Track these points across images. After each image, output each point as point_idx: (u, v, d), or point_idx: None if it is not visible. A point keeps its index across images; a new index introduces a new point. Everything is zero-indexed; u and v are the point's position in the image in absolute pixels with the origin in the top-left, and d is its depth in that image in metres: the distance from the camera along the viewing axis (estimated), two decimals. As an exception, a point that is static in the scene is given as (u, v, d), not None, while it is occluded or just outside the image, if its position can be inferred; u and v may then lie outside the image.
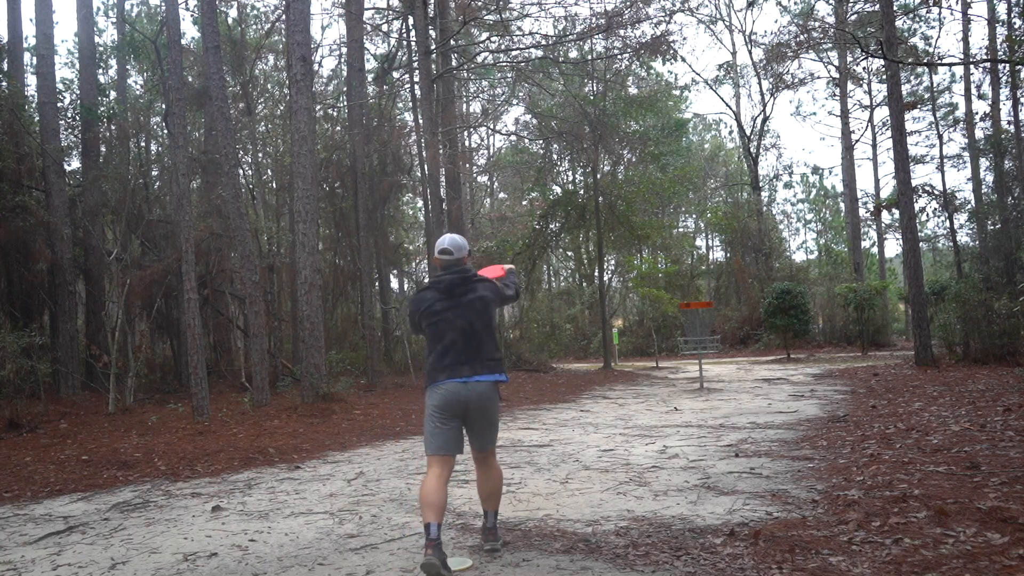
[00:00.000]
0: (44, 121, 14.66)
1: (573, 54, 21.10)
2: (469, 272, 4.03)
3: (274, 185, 20.17)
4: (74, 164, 17.38)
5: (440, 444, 3.84)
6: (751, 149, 32.73)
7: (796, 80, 30.30)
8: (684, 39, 39.24)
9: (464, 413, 3.87)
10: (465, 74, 23.22)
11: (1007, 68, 20.64)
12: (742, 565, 3.55)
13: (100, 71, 21.32)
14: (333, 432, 9.16)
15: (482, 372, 3.87)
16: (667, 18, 18.71)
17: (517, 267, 23.78)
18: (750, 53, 31.76)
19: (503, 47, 20.20)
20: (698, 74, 56.88)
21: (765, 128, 33.32)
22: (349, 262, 19.05)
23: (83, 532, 4.83)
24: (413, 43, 19.06)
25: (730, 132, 41.92)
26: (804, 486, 5.17)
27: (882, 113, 32.71)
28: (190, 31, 24.95)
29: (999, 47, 21.94)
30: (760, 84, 31.72)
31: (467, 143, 28.83)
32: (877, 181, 37.50)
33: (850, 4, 25.94)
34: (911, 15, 26.55)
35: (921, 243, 21.36)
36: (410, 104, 21.31)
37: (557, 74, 20.93)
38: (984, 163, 24.23)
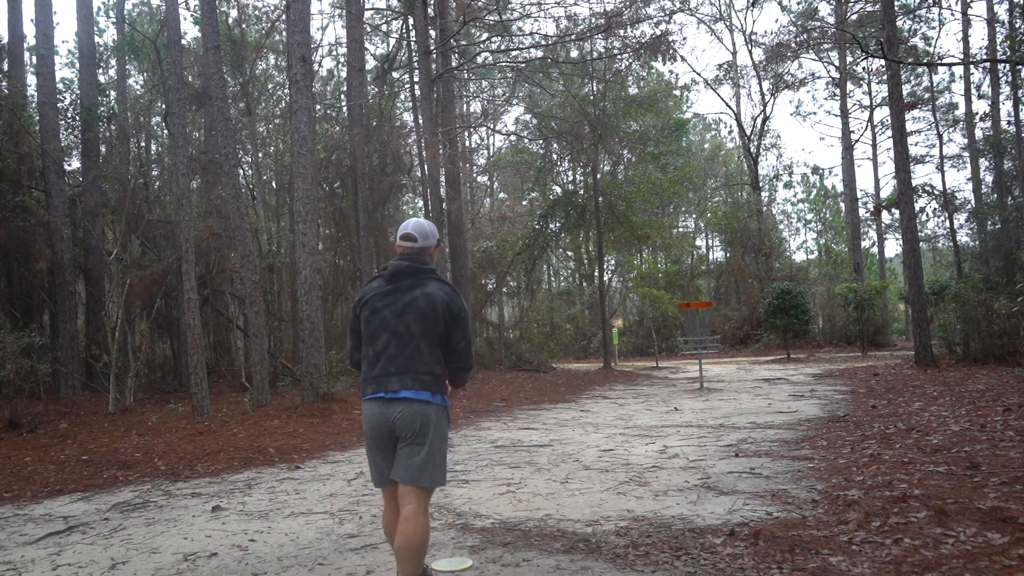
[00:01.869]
0: (44, 121, 14.66)
1: (573, 54, 21.13)
2: (425, 265, 3.26)
3: (274, 185, 20.19)
4: (74, 164, 17.40)
5: (376, 477, 3.25)
6: (751, 149, 32.73)
7: (796, 80, 30.33)
8: (684, 39, 39.39)
9: (394, 437, 3.14)
10: (465, 74, 23.23)
11: (1007, 68, 20.65)
12: (742, 565, 3.55)
13: (100, 71, 21.33)
14: (333, 432, 9.16)
15: (413, 387, 3.09)
16: (667, 18, 18.72)
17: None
18: (750, 53, 31.78)
19: (503, 47, 20.21)
20: (698, 74, 56.93)
21: (765, 128, 33.33)
22: (349, 262, 19.06)
23: (83, 532, 4.83)
24: (413, 43, 19.07)
25: (730, 132, 41.98)
26: (804, 486, 5.17)
27: (882, 113, 32.78)
28: (190, 31, 25.00)
29: (999, 47, 21.94)
30: (760, 84, 31.75)
31: (467, 143, 28.84)
32: (877, 181, 37.54)
33: (850, 4, 25.95)
34: (911, 15, 26.55)
35: (921, 243, 21.35)
36: (410, 104, 21.33)
37: (557, 74, 20.93)
38: (984, 163, 24.24)
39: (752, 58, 31.62)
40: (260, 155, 19.74)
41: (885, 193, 36.66)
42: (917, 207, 19.57)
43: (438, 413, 3.16)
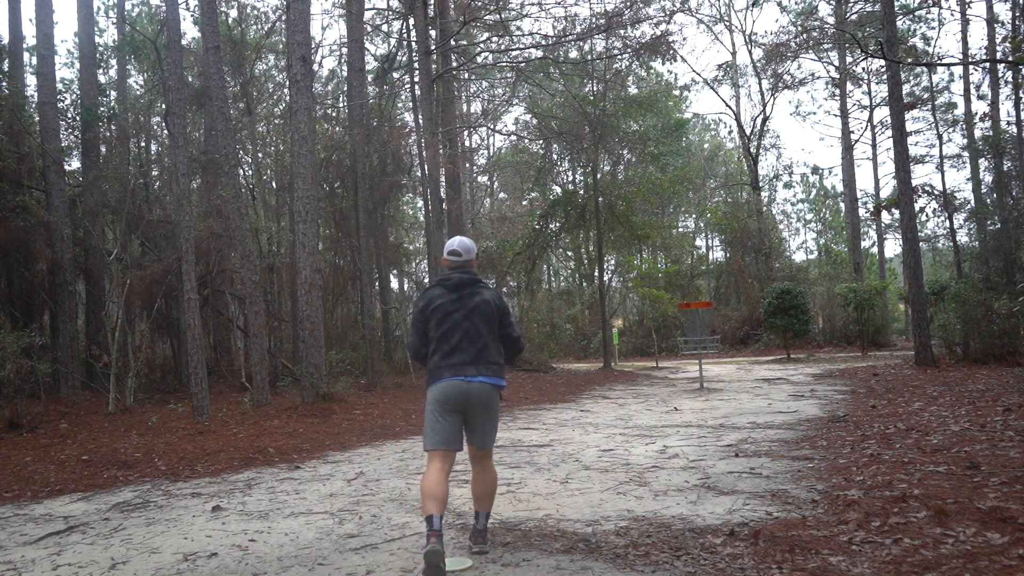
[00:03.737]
0: (44, 121, 14.66)
1: (573, 54, 21.11)
2: (476, 275, 4.10)
3: (274, 185, 20.18)
4: (74, 164, 17.40)
5: (441, 439, 3.85)
6: (751, 149, 32.74)
7: (796, 80, 30.34)
8: (684, 39, 39.28)
9: (465, 407, 3.89)
10: (465, 74, 23.23)
11: (1007, 68, 20.65)
12: (742, 565, 3.55)
13: (100, 71, 21.33)
14: (333, 432, 9.16)
15: (486, 374, 3.92)
16: (667, 18, 18.73)
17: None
18: (750, 53, 31.79)
19: (503, 47, 20.21)
20: (698, 74, 56.87)
21: (765, 128, 33.33)
22: (349, 262, 19.05)
23: (83, 532, 4.83)
24: (413, 43, 19.07)
25: (730, 132, 41.98)
26: (804, 486, 5.17)
27: (882, 113, 32.78)
28: (190, 31, 24.98)
29: (999, 47, 21.95)
30: (760, 84, 31.75)
31: (467, 143, 28.84)
32: (877, 181, 37.53)
33: (850, 4, 25.97)
34: (911, 15, 26.56)
35: (921, 243, 21.36)
36: (410, 104, 21.33)
37: (557, 74, 20.93)
38: (984, 163, 24.25)
39: (752, 58, 31.65)
40: (260, 155, 19.74)
41: (885, 193, 36.66)
42: (917, 207, 19.59)
43: (498, 393, 4.01)
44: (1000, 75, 22.63)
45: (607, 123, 20.20)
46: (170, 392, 14.64)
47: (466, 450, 4.12)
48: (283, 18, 18.05)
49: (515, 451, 7.37)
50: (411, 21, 18.60)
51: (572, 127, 20.62)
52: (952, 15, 31.35)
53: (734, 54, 35.53)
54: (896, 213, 23.57)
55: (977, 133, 25.84)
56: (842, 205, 38.65)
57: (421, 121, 16.73)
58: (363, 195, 16.45)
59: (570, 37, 19.07)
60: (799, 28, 25.92)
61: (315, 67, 20.73)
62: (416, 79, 18.07)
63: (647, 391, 13.98)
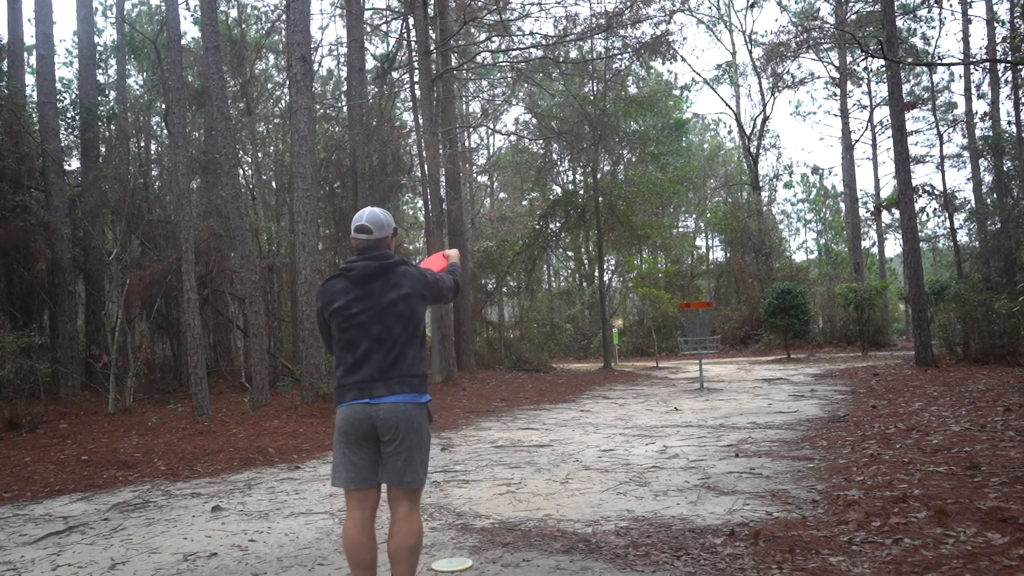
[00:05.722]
0: (44, 121, 14.65)
1: (573, 54, 21.12)
2: (391, 259, 3.07)
3: (274, 185, 20.20)
4: (74, 164, 17.39)
5: (351, 476, 3.02)
6: (751, 149, 32.74)
7: (796, 80, 30.34)
8: (684, 39, 39.22)
9: (373, 435, 3.01)
10: (465, 74, 23.22)
11: (1007, 68, 20.65)
12: (742, 565, 3.55)
13: (100, 71, 21.32)
14: (333, 432, 9.15)
15: (398, 391, 2.99)
16: (667, 18, 18.72)
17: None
18: (750, 53, 31.79)
19: (503, 47, 20.21)
20: (698, 73, 56.87)
21: (765, 128, 33.33)
22: (349, 262, 19.01)
23: (83, 532, 4.83)
24: (413, 43, 19.07)
25: (729, 132, 41.98)
26: (804, 486, 5.17)
27: (882, 113, 32.77)
28: (190, 31, 24.97)
29: (999, 47, 21.94)
30: (760, 84, 31.78)
31: (467, 143, 28.80)
32: (877, 181, 37.53)
33: (850, 4, 25.97)
34: (911, 15, 26.55)
35: (921, 243, 21.35)
36: (410, 104, 21.31)
37: (557, 74, 20.93)
38: (984, 163, 24.26)
39: (752, 58, 31.64)
40: (260, 155, 19.75)
41: (885, 193, 36.66)
42: (917, 207, 19.58)
43: (419, 411, 3.05)
44: (1000, 75, 22.63)
45: (607, 123, 20.20)
46: (170, 392, 14.64)
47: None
48: (283, 18, 18.04)
49: (515, 451, 7.37)
50: (411, 21, 18.59)
51: (572, 127, 20.62)
52: (952, 15, 31.33)
53: (734, 54, 35.57)
54: (896, 213, 23.58)
55: (977, 133, 25.83)
56: (842, 205, 38.64)
57: (421, 121, 16.72)
58: (363, 195, 16.44)
59: (570, 37, 19.07)
60: (799, 28, 25.91)
61: (315, 67, 20.72)
62: (416, 79, 18.06)
63: (647, 391, 13.98)
